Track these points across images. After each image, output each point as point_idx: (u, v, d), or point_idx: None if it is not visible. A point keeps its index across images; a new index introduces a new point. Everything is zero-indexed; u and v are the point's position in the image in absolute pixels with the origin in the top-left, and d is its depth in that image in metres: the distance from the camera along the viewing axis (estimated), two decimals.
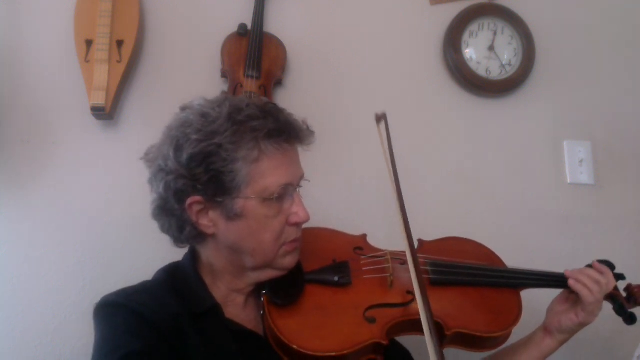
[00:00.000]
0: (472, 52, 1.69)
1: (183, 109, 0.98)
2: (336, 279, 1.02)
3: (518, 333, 1.11)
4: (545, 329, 1.14)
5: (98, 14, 1.39)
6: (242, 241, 0.95)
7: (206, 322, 0.93)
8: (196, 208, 0.93)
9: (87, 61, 1.38)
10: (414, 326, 1.01)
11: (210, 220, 0.95)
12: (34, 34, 1.44)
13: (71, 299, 1.32)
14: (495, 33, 1.72)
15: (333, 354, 0.91)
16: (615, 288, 1.13)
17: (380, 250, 1.14)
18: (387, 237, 1.19)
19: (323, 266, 1.05)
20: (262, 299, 0.99)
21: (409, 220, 0.98)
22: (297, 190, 1.00)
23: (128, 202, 1.37)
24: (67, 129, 1.41)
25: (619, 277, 1.15)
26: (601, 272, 1.10)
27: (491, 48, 1.71)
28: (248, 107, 0.93)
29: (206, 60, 1.51)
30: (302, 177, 1.01)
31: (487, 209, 1.63)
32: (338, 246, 1.13)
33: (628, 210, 1.72)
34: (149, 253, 1.31)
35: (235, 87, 1.44)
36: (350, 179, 1.56)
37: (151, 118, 1.39)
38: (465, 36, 1.69)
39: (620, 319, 1.11)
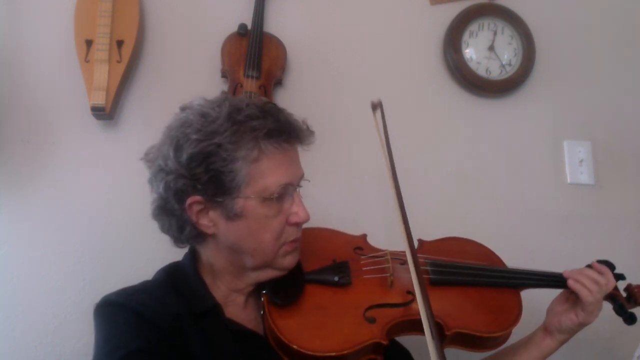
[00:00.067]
0: (472, 52, 1.69)
1: (183, 109, 0.98)
2: (336, 279, 1.02)
3: (518, 333, 1.11)
4: (545, 329, 1.14)
5: (98, 14, 1.39)
6: (242, 241, 0.95)
7: (206, 322, 0.93)
8: (196, 208, 0.93)
9: (87, 61, 1.38)
10: (414, 326, 1.01)
11: (210, 220, 0.95)
12: (34, 34, 1.44)
13: (71, 299, 1.32)
14: (495, 33, 1.72)
15: (333, 354, 0.91)
16: (615, 288, 1.13)
17: (380, 250, 1.14)
18: (387, 237, 1.19)
19: (323, 266, 1.05)
20: (262, 299, 0.99)
21: (409, 220, 0.98)
22: (297, 190, 1.00)
23: (128, 202, 1.38)
24: (67, 129, 1.41)
25: (619, 277, 1.15)
26: (600, 273, 1.10)
27: (491, 48, 1.71)
28: (248, 107, 0.93)
29: (206, 60, 1.51)
30: (302, 177, 1.01)
31: (487, 209, 1.63)
32: (338, 246, 1.13)
33: (628, 210, 1.72)
34: (149, 253, 1.31)
35: (235, 87, 1.44)
36: (350, 179, 1.56)
37: (151, 118, 1.39)
38: (465, 36, 1.69)
39: (620, 319, 1.11)
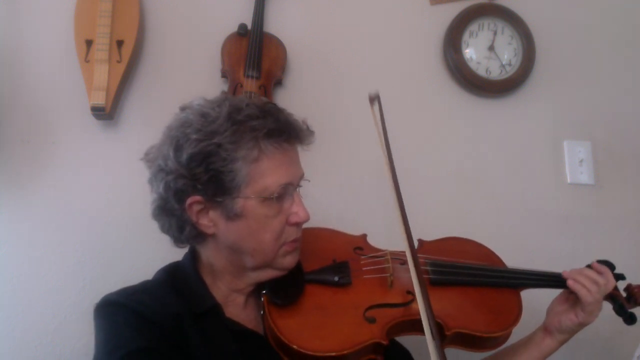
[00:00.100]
0: (472, 52, 1.69)
1: (183, 109, 0.98)
2: (336, 279, 1.02)
3: (518, 333, 1.11)
4: (545, 329, 1.14)
5: (98, 14, 1.39)
6: (242, 241, 0.95)
7: (206, 322, 0.93)
8: (196, 208, 0.93)
9: (87, 61, 1.38)
10: (414, 326, 1.01)
11: (210, 220, 0.95)
12: (34, 34, 1.44)
13: (71, 299, 1.32)
14: (495, 33, 1.72)
15: (333, 354, 0.91)
16: (615, 288, 1.13)
17: (380, 250, 1.14)
18: (387, 237, 1.18)
19: (323, 266, 1.05)
20: (262, 299, 0.99)
21: (409, 220, 0.98)
22: (297, 190, 1.00)
23: (128, 202, 1.38)
24: (67, 129, 1.41)
25: (619, 277, 1.15)
26: (600, 273, 1.10)
27: (491, 48, 1.71)
28: (248, 107, 0.93)
29: (206, 60, 1.51)
30: (302, 177, 1.01)
31: (487, 209, 1.63)
32: (338, 246, 1.13)
33: (628, 210, 1.72)
34: (149, 253, 1.31)
35: (235, 87, 1.44)
36: (350, 179, 1.56)
37: (151, 118, 1.39)
38: (465, 36, 1.69)
39: (620, 319, 1.11)
